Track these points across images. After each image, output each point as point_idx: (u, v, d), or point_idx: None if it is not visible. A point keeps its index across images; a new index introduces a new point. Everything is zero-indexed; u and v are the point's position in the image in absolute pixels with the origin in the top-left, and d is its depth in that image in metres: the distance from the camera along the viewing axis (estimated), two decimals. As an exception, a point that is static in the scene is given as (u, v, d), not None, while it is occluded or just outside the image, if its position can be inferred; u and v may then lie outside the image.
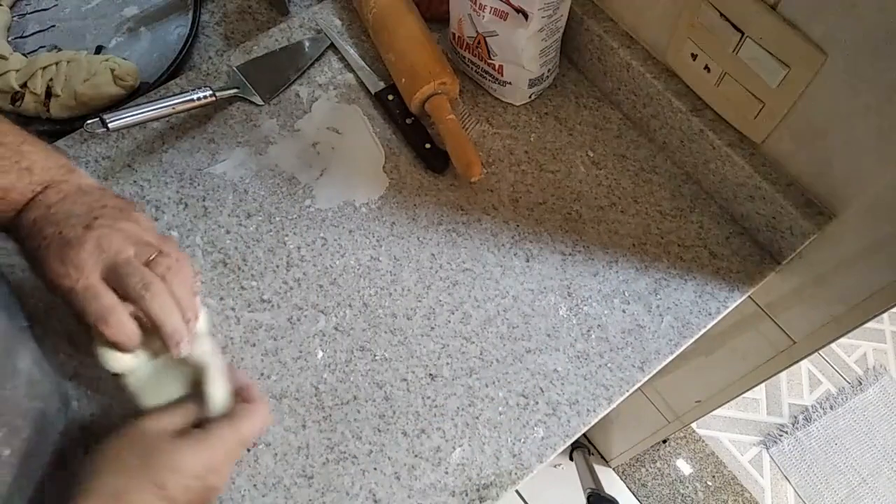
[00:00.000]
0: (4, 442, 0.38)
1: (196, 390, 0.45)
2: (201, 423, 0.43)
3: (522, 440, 0.52)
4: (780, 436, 1.57)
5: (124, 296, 0.41)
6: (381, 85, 0.67)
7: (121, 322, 0.41)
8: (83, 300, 0.40)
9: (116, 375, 0.45)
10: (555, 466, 1.50)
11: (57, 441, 0.45)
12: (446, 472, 0.51)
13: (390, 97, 0.66)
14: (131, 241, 0.43)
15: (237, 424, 0.43)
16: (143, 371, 0.45)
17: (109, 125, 0.57)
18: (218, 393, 0.44)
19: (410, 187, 0.63)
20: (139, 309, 0.42)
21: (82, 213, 0.43)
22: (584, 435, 1.08)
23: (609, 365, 0.55)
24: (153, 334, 0.43)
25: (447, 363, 0.55)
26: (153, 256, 0.43)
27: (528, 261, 0.59)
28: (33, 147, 0.45)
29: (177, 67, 0.69)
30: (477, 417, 0.53)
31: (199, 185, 0.62)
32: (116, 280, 0.41)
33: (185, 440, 0.41)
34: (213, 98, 0.63)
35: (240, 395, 0.46)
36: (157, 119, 0.61)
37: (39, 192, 0.43)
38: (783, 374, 1.48)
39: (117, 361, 0.43)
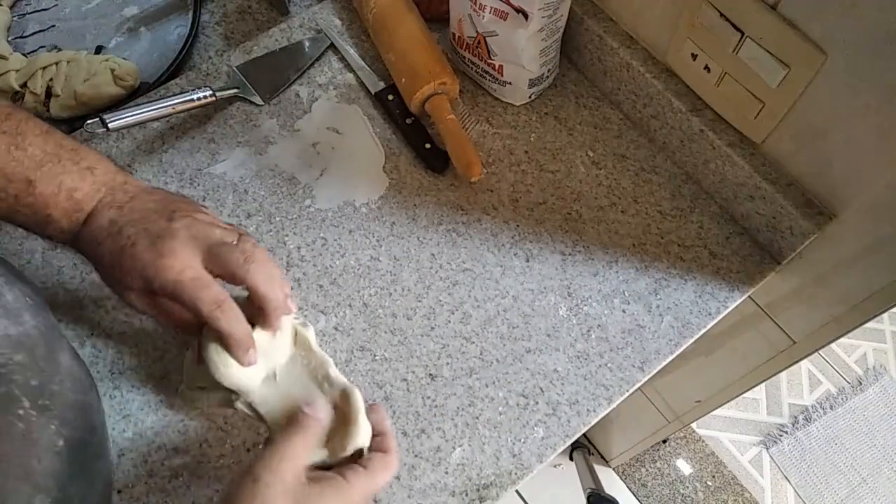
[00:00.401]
0: (58, 433, 0.39)
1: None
2: (331, 463, 0.41)
3: (522, 440, 0.52)
4: (780, 436, 1.57)
5: (226, 275, 0.42)
6: (381, 85, 0.67)
7: (234, 310, 0.41)
8: (193, 290, 0.41)
9: (231, 394, 0.43)
10: (555, 466, 1.50)
11: (99, 432, 0.45)
12: (446, 472, 0.51)
13: (390, 97, 0.66)
14: (215, 226, 0.44)
15: (375, 477, 0.40)
16: (263, 392, 0.43)
17: (109, 125, 0.57)
18: (363, 431, 0.41)
19: (410, 187, 0.63)
20: (244, 284, 0.42)
21: (159, 208, 0.44)
22: (584, 435, 1.08)
23: (609, 365, 0.55)
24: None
25: (447, 363, 0.55)
26: (237, 239, 0.44)
27: (528, 261, 0.59)
28: (89, 151, 0.46)
29: (177, 67, 0.69)
30: (477, 417, 0.53)
31: (199, 185, 0.62)
32: (216, 261, 0.42)
33: (328, 489, 0.38)
34: (213, 98, 0.63)
35: (374, 439, 0.42)
36: (157, 119, 0.61)
37: (105, 195, 0.44)
38: (783, 374, 1.48)
39: (230, 370, 0.41)
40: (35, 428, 0.37)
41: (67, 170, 0.43)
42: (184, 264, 0.41)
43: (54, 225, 0.43)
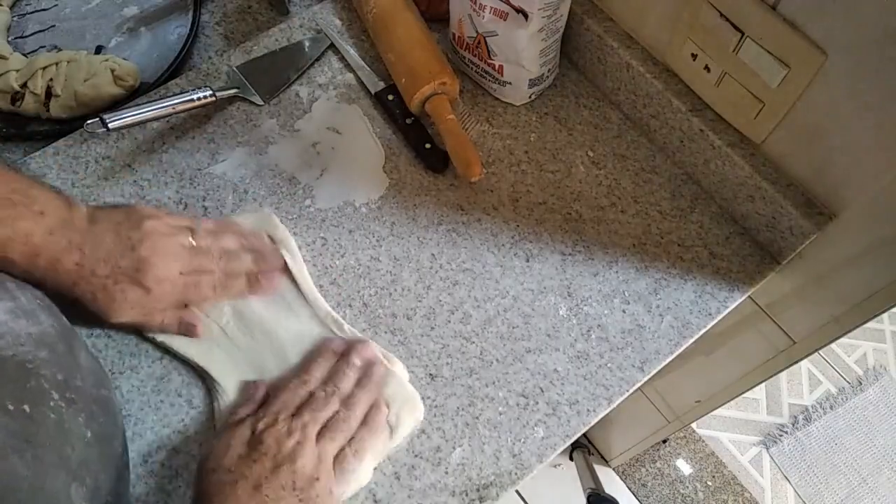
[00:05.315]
0: (86, 425, 0.40)
1: None
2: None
3: (522, 440, 0.52)
4: (780, 436, 1.57)
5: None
6: (381, 85, 0.67)
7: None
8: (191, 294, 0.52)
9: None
10: (555, 466, 1.50)
11: (121, 428, 0.47)
12: (446, 472, 0.51)
13: (390, 97, 0.66)
14: (172, 233, 0.51)
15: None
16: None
17: (109, 125, 0.57)
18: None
19: (410, 187, 0.63)
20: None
21: (116, 240, 0.49)
22: (584, 435, 1.08)
23: (609, 365, 0.55)
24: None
25: (447, 363, 0.55)
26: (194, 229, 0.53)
27: (528, 261, 0.60)
28: (40, 190, 0.48)
29: (177, 67, 0.69)
30: (477, 417, 0.53)
31: (199, 185, 0.62)
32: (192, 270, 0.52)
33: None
34: (213, 98, 0.63)
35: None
36: (157, 119, 0.61)
37: (61, 238, 0.47)
38: (783, 374, 1.48)
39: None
40: (66, 419, 0.39)
41: (21, 214, 0.45)
42: (166, 282, 0.50)
43: (13, 266, 0.45)
